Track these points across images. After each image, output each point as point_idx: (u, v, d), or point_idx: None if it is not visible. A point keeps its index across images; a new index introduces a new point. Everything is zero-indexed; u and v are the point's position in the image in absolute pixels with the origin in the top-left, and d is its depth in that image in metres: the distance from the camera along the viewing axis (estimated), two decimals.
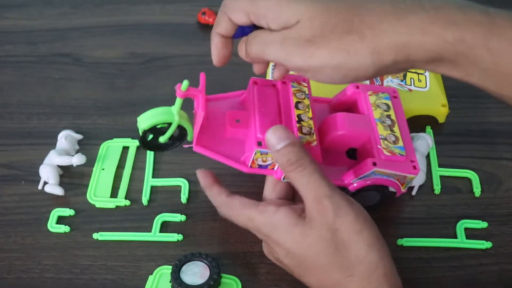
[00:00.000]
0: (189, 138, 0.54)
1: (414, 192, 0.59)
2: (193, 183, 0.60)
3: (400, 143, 0.53)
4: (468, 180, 0.61)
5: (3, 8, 0.81)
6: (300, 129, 0.51)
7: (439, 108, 0.65)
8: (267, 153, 0.50)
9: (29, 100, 0.69)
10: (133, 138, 0.64)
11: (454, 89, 0.67)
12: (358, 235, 0.45)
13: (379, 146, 0.53)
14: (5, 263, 0.54)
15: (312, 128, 0.52)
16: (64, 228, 0.56)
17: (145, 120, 0.51)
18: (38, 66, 0.73)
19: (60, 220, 0.57)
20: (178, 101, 0.51)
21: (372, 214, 0.58)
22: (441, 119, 0.66)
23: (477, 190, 0.60)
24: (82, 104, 0.69)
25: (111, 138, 0.64)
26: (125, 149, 0.64)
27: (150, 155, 0.63)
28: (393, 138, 0.53)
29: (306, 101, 0.54)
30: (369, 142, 0.54)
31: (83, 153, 0.61)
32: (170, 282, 0.51)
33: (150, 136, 0.53)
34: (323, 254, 0.45)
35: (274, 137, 0.47)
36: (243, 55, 0.47)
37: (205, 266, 0.52)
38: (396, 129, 0.55)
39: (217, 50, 0.48)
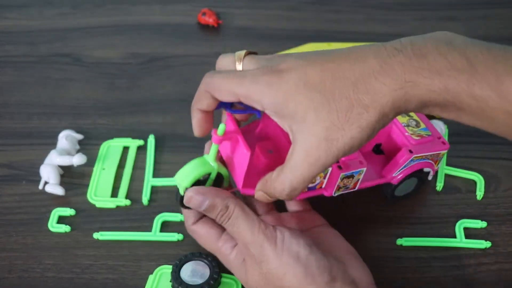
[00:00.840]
0: (225, 183, 0.51)
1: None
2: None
3: (422, 125, 0.55)
4: (468, 180, 0.62)
5: (3, 8, 0.81)
6: None
7: None
8: None
9: (29, 100, 0.69)
10: (133, 138, 0.64)
11: None
12: (282, 280, 0.46)
13: (406, 133, 0.54)
14: (6, 262, 0.54)
15: None
16: (64, 228, 0.57)
17: (185, 177, 0.48)
18: (38, 66, 0.73)
19: (61, 219, 0.58)
20: (214, 148, 0.48)
21: (373, 213, 0.58)
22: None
23: (480, 193, 0.60)
24: (82, 104, 0.69)
25: (112, 138, 0.64)
26: (126, 149, 0.64)
27: (150, 155, 0.63)
28: (414, 123, 0.55)
29: None
30: (393, 133, 0.55)
31: (84, 153, 0.61)
32: (170, 281, 0.52)
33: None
34: None
35: (192, 206, 0.48)
36: (269, 196, 0.47)
37: (205, 265, 0.52)
38: (412, 113, 0.56)
39: (199, 127, 0.49)
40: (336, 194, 0.52)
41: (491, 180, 0.61)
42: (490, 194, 0.60)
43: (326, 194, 0.52)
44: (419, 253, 0.56)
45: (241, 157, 0.48)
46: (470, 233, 0.57)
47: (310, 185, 0.50)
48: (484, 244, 0.56)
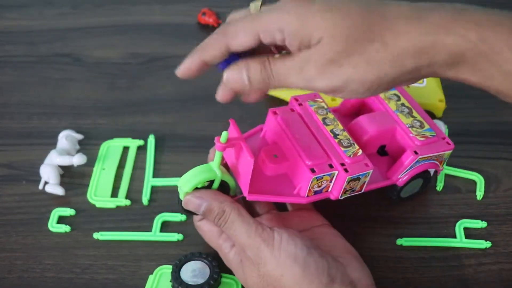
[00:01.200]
0: (232, 192, 0.51)
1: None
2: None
3: (426, 126, 0.55)
4: (468, 180, 0.62)
5: (3, 8, 0.81)
6: (340, 143, 0.51)
7: (436, 103, 0.65)
8: (322, 177, 0.49)
9: (29, 100, 0.69)
10: (133, 138, 0.64)
11: (454, 89, 0.67)
12: (280, 281, 0.45)
13: (411, 135, 0.54)
14: (6, 262, 0.54)
15: (350, 138, 0.52)
16: (64, 228, 0.56)
17: (187, 182, 0.48)
18: (39, 66, 0.73)
19: (61, 219, 0.58)
20: (218, 155, 0.48)
21: (373, 213, 0.58)
22: (438, 114, 0.66)
23: (479, 193, 0.60)
24: (82, 104, 0.69)
25: (112, 138, 0.64)
26: (126, 149, 0.64)
27: (150, 154, 0.63)
28: (418, 123, 0.55)
29: (330, 115, 0.54)
30: (397, 134, 0.55)
31: (84, 153, 0.61)
32: (170, 281, 0.52)
33: None
34: None
35: (190, 208, 0.48)
36: (245, 84, 0.43)
37: (205, 265, 0.52)
38: (415, 114, 0.56)
39: (188, 71, 0.44)
40: (342, 197, 0.52)
41: (491, 180, 0.61)
42: (490, 194, 0.60)
43: (332, 197, 0.52)
44: (419, 253, 0.56)
45: (245, 164, 0.47)
46: (470, 233, 0.57)
47: (316, 189, 0.50)
48: (484, 244, 0.56)
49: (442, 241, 0.56)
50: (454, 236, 0.57)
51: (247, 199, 0.49)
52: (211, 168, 0.49)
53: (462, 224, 0.57)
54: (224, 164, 0.51)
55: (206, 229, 0.52)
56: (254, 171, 0.47)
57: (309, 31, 0.40)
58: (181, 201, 0.49)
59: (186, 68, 0.44)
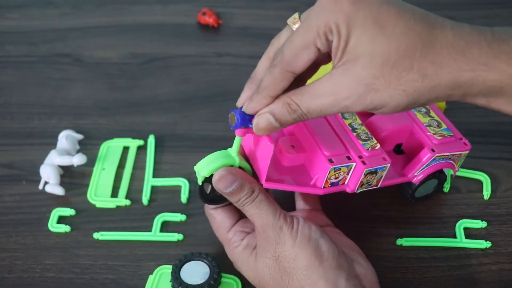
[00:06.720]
0: None
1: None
2: (193, 183, 0.60)
3: (444, 126, 0.55)
4: (469, 180, 0.62)
5: (4, 8, 0.81)
6: (358, 137, 0.51)
7: (436, 103, 0.65)
8: (340, 168, 0.49)
9: (29, 100, 0.69)
10: (133, 138, 0.64)
11: None
12: (294, 261, 0.46)
13: (428, 133, 0.54)
14: (6, 262, 0.54)
15: (368, 132, 0.52)
16: (64, 228, 0.57)
17: (205, 167, 0.47)
18: (39, 66, 0.73)
19: (61, 219, 0.58)
20: (237, 141, 0.47)
21: (373, 213, 0.58)
22: None
23: (486, 193, 0.60)
24: (82, 104, 0.69)
25: (112, 138, 0.64)
26: (126, 149, 0.64)
27: (150, 155, 0.63)
28: (436, 123, 0.55)
29: None
30: (415, 133, 0.55)
31: (84, 153, 0.61)
32: (170, 281, 0.52)
33: (209, 187, 0.49)
34: (272, 281, 0.47)
35: (221, 185, 0.47)
36: (278, 127, 0.44)
37: (205, 265, 0.52)
38: (433, 114, 0.56)
39: (260, 107, 0.44)
40: (358, 191, 0.52)
41: (491, 180, 0.61)
42: (491, 194, 0.60)
43: (348, 190, 0.52)
44: (419, 253, 0.56)
45: (265, 150, 0.48)
46: (470, 233, 0.57)
47: (333, 181, 0.50)
48: (484, 244, 0.56)
49: (442, 241, 0.56)
50: (454, 236, 0.57)
51: (263, 186, 0.48)
52: (229, 154, 0.48)
53: (462, 224, 0.57)
54: (242, 154, 0.50)
55: (218, 219, 0.51)
56: (272, 160, 0.47)
57: (348, 44, 0.40)
58: (199, 186, 0.48)
59: (258, 107, 0.44)
